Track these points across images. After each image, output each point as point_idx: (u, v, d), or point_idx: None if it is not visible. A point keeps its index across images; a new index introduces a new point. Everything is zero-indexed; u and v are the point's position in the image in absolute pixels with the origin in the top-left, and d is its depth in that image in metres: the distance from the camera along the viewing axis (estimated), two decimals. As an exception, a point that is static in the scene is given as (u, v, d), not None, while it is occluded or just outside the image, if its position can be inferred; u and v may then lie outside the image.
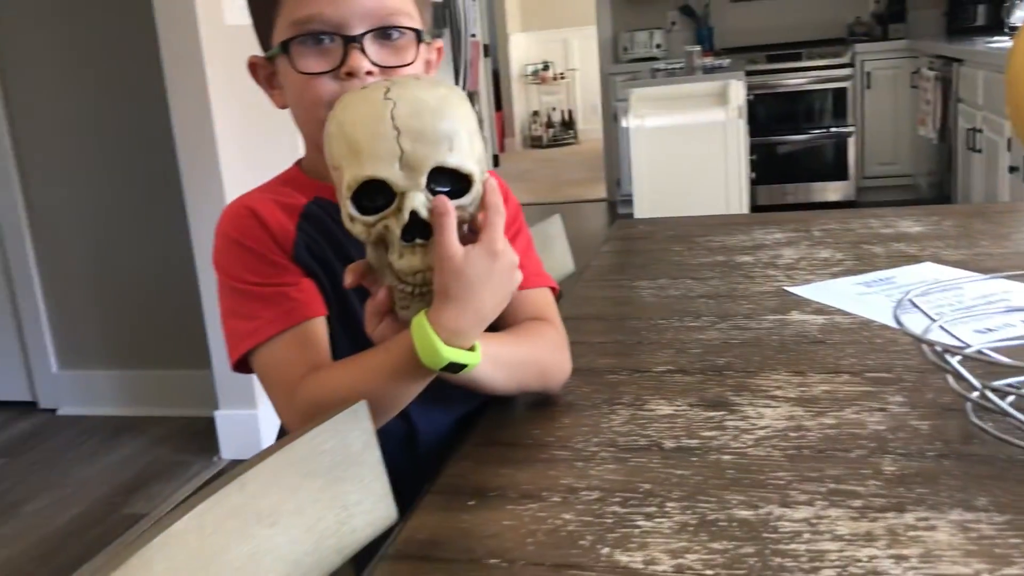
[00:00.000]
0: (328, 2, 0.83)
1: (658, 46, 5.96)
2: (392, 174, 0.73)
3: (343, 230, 0.78)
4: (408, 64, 0.87)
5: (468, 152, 0.75)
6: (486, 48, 5.19)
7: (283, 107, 0.91)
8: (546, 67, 9.44)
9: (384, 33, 0.85)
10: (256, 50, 0.93)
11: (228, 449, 2.74)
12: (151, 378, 3.15)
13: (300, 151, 0.98)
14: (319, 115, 0.81)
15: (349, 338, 0.88)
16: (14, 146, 3.11)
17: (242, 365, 0.88)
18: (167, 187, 2.83)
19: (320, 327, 0.86)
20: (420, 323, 0.75)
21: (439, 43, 0.95)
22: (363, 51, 0.84)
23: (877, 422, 0.81)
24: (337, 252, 0.88)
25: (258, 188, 0.94)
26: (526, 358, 0.89)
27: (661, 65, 5.32)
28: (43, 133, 3.08)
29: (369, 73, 0.84)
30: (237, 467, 0.68)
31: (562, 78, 9.46)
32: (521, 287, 0.86)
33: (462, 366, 0.76)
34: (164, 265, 3.01)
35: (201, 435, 2.84)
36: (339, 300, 0.89)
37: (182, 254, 2.73)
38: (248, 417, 2.69)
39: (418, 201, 0.74)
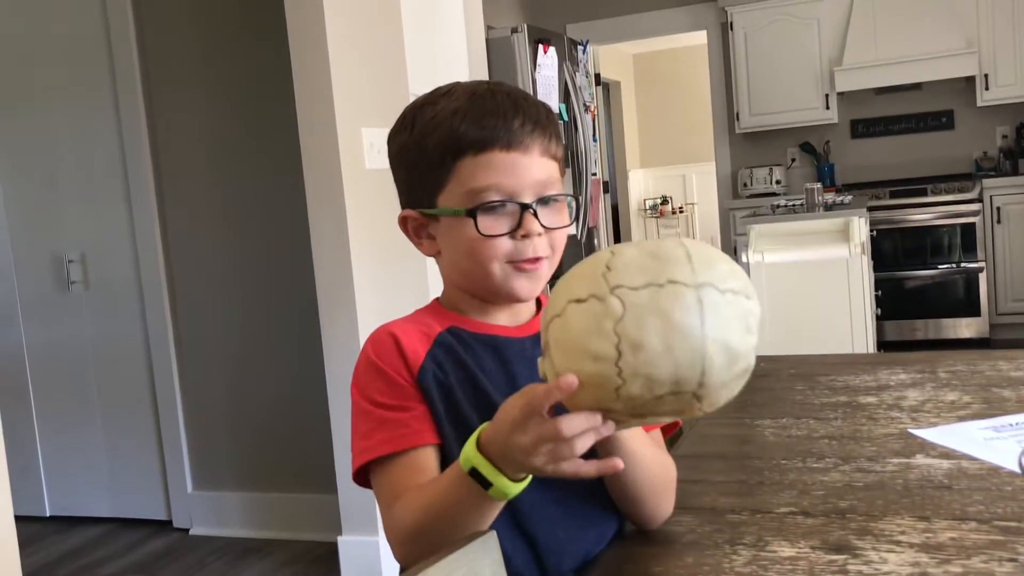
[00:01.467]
0: (504, 174, 0.95)
1: (778, 182, 6.00)
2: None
3: (471, 356, 0.95)
4: (568, 225, 0.99)
5: None
6: (605, 184, 5.34)
7: (431, 255, 1.01)
8: (665, 201, 9.57)
9: (546, 199, 0.97)
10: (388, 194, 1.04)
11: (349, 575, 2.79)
12: (279, 501, 3.26)
13: (425, 284, 1.08)
14: (493, 268, 0.96)
15: None
16: (168, 283, 3.38)
17: (360, 477, 0.97)
18: (303, 321, 3.01)
19: (429, 455, 0.94)
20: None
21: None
22: (535, 215, 0.95)
23: (1007, 573, 0.80)
24: (462, 376, 0.96)
25: (404, 317, 1.03)
26: (666, 466, 0.98)
27: (781, 201, 5.35)
28: (193, 272, 3.34)
29: (539, 234, 0.96)
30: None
31: (680, 212, 9.56)
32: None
33: (489, 482, 0.81)
34: (296, 394, 3.17)
35: (324, 560, 2.90)
36: (455, 423, 0.95)
37: (314, 384, 2.88)
38: (370, 544, 2.74)
39: None
